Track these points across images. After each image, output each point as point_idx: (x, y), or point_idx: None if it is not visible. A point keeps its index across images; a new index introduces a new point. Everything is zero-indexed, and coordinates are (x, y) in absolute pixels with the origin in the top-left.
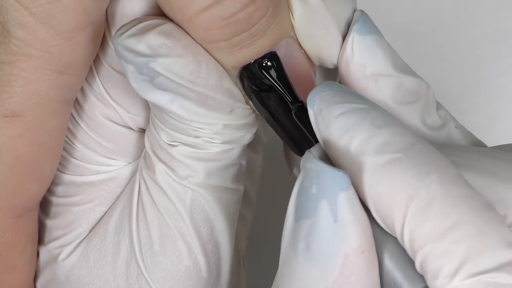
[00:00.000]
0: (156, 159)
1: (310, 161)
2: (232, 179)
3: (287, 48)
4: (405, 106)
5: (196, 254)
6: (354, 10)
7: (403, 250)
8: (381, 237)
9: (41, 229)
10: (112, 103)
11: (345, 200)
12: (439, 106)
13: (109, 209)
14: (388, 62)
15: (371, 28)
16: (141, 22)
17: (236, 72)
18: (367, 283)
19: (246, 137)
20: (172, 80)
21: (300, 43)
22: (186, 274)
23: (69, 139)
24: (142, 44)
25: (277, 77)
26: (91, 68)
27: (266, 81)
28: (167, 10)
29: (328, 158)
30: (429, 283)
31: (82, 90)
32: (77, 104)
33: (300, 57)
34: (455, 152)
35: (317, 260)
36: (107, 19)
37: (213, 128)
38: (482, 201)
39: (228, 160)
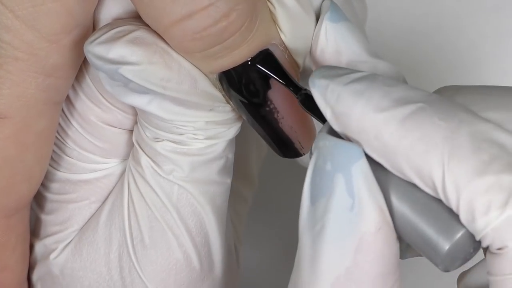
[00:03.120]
0: (142, 153)
1: (323, 138)
2: (218, 172)
3: None
4: None
5: (186, 247)
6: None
7: (432, 207)
8: (410, 198)
9: (37, 223)
10: (109, 106)
11: (360, 172)
12: None
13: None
14: (361, 47)
15: (342, 15)
16: (113, 28)
17: (215, 75)
18: (386, 260)
19: (231, 131)
20: (143, 86)
21: (290, 46)
22: (177, 267)
23: (63, 138)
24: (112, 52)
25: (275, 73)
26: (82, 71)
27: (253, 85)
28: (144, 17)
29: (338, 137)
30: (478, 221)
31: (75, 92)
32: (70, 105)
33: (284, 63)
34: (461, 96)
35: (334, 240)
36: (94, 22)
37: (195, 125)
38: (508, 133)
39: (213, 154)
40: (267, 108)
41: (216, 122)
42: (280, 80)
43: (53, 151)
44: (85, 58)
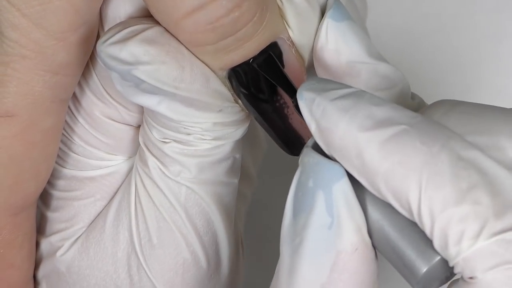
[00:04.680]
0: (149, 154)
1: (308, 155)
2: (225, 173)
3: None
4: (380, 92)
5: (193, 247)
6: None
7: (411, 228)
8: (389, 216)
9: (42, 221)
10: (112, 101)
11: (340, 192)
12: (414, 95)
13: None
14: (362, 48)
15: (345, 14)
16: (126, 27)
17: (224, 73)
18: (360, 280)
19: (238, 132)
20: (156, 87)
21: (297, 42)
22: (184, 266)
23: (69, 135)
24: (124, 52)
25: (274, 75)
26: (88, 66)
27: (262, 81)
28: (154, 12)
29: (321, 151)
30: (450, 249)
31: (81, 88)
32: (76, 102)
33: (291, 57)
34: (454, 115)
35: (311, 256)
36: (101, 20)
37: (203, 126)
38: (491, 161)
39: (220, 155)
40: (277, 104)
41: (224, 124)
42: (274, 82)
43: (60, 148)
44: (91, 54)
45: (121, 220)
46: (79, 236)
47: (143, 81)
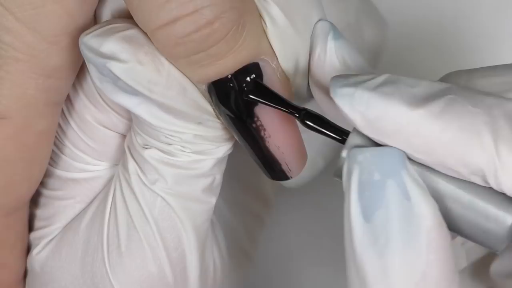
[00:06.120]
0: (130, 158)
1: (361, 152)
2: (202, 190)
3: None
4: None
5: (161, 261)
6: (321, 18)
7: (483, 192)
8: (462, 184)
9: (30, 217)
10: (105, 106)
11: (408, 173)
12: None
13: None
14: (364, 61)
15: (339, 33)
16: (109, 24)
17: (204, 86)
18: (451, 254)
19: (220, 150)
20: (130, 86)
21: (283, 64)
22: (149, 280)
23: (60, 136)
24: (104, 46)
25: (267, 98)
26: (83, 70)
27: (239, 100)
28: (135, 20)
29: (371, 142)
30: None
31: (75, 91)
32: (69, 104)
33: (274, 81)
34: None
35: (404, 247)
36: (95, 23)
37: (182, 136)
38: None
39: (199, 171)
40: (254, 125)
41: (204, 137)
42: (273, 104)
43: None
44: None
45: (95, 223)
46: (55, 236)
47: (118, 78)
